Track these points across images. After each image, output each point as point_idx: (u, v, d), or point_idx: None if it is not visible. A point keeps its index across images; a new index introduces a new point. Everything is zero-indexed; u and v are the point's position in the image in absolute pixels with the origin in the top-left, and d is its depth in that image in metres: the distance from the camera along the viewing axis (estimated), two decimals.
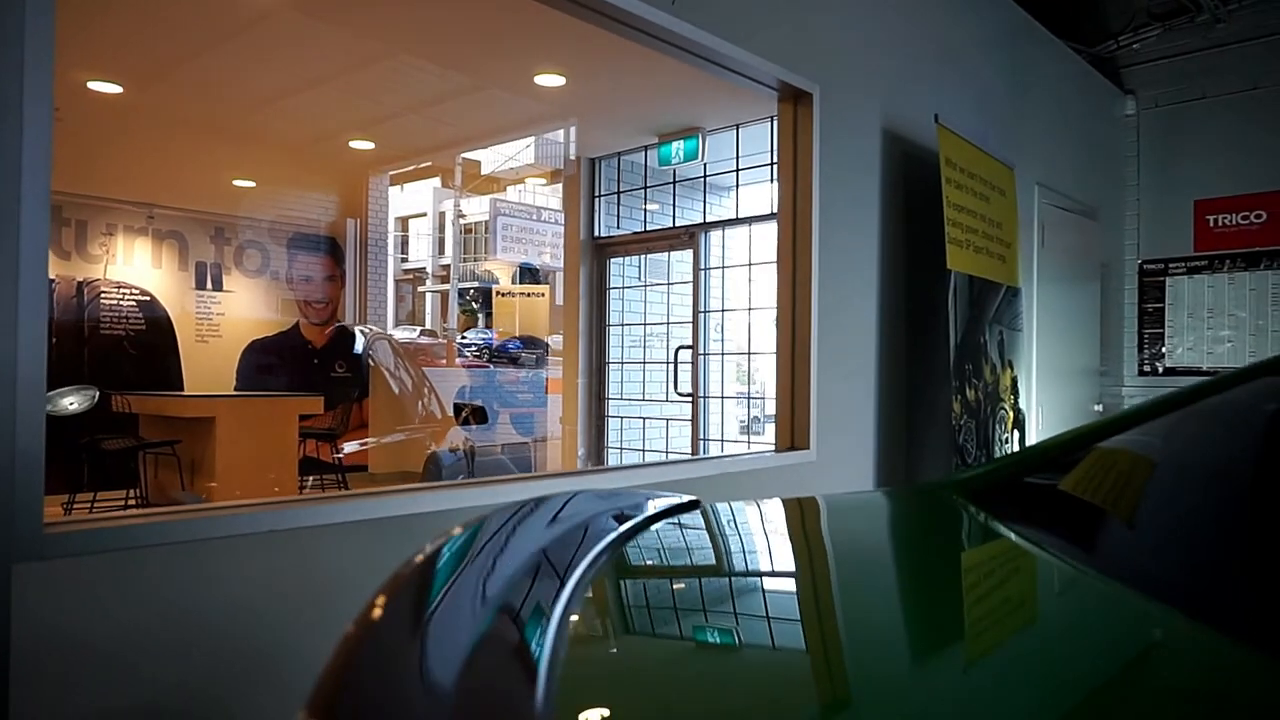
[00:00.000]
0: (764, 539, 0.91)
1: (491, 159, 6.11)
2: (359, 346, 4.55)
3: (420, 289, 7.75)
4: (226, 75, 4.12)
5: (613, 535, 0.79)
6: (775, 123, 2.86)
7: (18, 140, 1.17)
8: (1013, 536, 0.83)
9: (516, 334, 6.20)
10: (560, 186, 5.96)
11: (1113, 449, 1.13)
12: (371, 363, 4.58)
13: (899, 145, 3.17)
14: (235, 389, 4.66)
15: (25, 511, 1.16)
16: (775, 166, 2.82)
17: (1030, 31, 4.35)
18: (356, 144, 5.43)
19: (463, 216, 7.03)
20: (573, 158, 5.71)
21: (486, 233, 6.92)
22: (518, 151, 6.07)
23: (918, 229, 3.22)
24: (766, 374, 4.65)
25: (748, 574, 0.79)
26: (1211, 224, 5.16)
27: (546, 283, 6.78)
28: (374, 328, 5.47)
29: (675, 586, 0.74)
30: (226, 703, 1.37)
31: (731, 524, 0.94)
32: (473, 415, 4.75)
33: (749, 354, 5.19)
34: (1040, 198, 4.33)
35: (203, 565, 1.35)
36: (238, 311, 5.77)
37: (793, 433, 2.69)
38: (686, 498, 1.02)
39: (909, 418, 3.23)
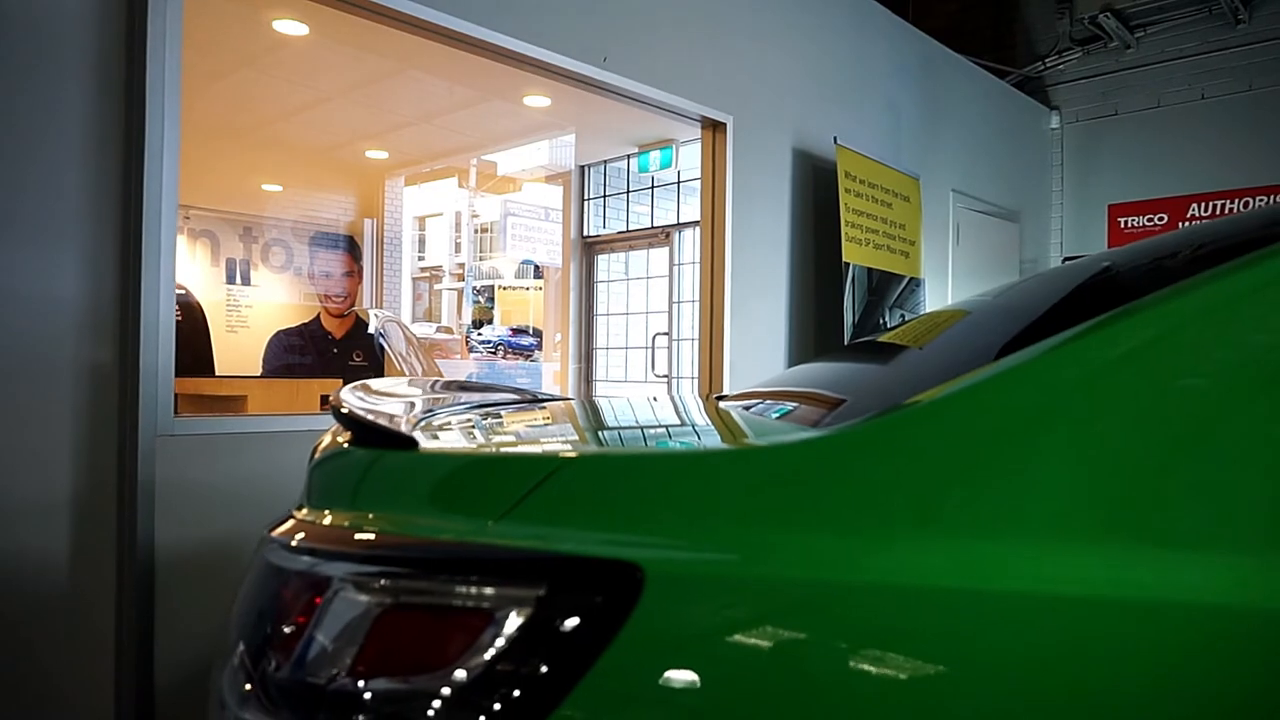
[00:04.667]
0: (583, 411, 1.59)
1: (502, 162, 6.66)
2: (372, 326, 5.13)
3: (437, 286, 8.08)
4: (257, 89, 4.76)
5: (495, 398, 1.50)
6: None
7: (159, 164, 1.92)
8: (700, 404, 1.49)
9: (520, 325, 6.69)
10: (554, 188, 6.60)
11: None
12: (383, 342, 5.16)
13: (808, 161, 3.88)
14: (261, 374, 5.27)
15: (164, 405, 1.92)
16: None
17: (944, 59, 5.04)
18: (372, 153, 6.11)
19: (476, 216, 7.46)
20: (569, 165, 6.40)
21: (497, 231, 7.51)
22: (524, 158, 6.65)
23: (825, 230, 3.93)
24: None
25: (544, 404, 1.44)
26: (1123, 225, 5.84)
27: (543, 278, 7.35)
28: (385, 311, 6.10)
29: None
30: None
31: (582, 405, 1.63)
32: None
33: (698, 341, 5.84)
34: (955, 203, 5.03)
35: (279, 447, 2.10)
36: (264, 304, 6.27)
37: (710, 390, 3.43)
38: (564, 396, 1.73)
39: None
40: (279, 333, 5.09)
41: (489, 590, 0.63)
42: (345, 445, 0.83)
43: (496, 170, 6.71)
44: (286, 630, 0.69)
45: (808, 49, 3.93)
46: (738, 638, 0.60)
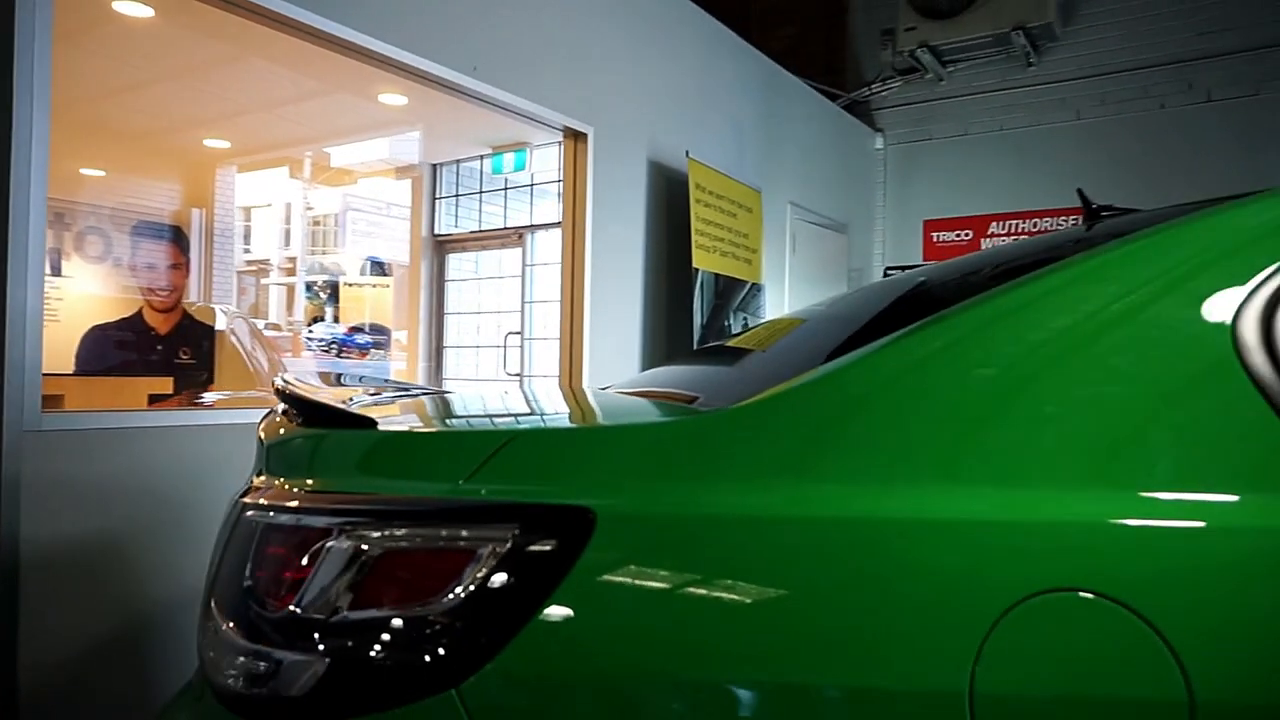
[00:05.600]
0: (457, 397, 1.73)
1: (341, 155, 6.52)
2: (222, 323, 4.95)
3: (264, 281, 7.77)
4: (76, 64, 4.42)
5: (396, 389, 1.61)
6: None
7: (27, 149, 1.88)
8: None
9: (363, 323, 6.59)
10: (402, 183, 6.54)
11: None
12: (235, 340, 4.97)
13: (662, 172, 4.14)
14: (74, 372, 4.93)
15: (30, 400, 1.88)
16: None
17: (783, 81, 5.46)
18: (206, 141, 5.84)
19: (310, 209, 7.21)
20: (416, 162, 6.37)
21: (336, 225, 7.32)
22: (371, 153, 6.54)
23: (675, 237, 4.19)
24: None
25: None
26: (935, 239, 6.51)
27: (390, 275, 7.25)
28: (232, 307, 5.87)
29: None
30: (165, 525, 2.11)
31: (456, 397, 1.76)
32: None
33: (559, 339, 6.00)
34: (792, 214, 5.45)
35: (154, 442, 2.08)
36: (77, 297, 5.87)
37: (570, 382, 3.60)
38: (445, 389, 1.85)
39: None
40: (95, 328, 4.75)
41: (473, 532, 0.78)
42: (303, 427, 0.95)
43: (330, 162, 6.52)
44: (289, 576, 0.81)
45: (662, 67, 4.18)
46: (664, 557, 0.80)
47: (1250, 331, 0.83)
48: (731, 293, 4.38)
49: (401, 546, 0.80)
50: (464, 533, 0.79)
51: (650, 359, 4.07)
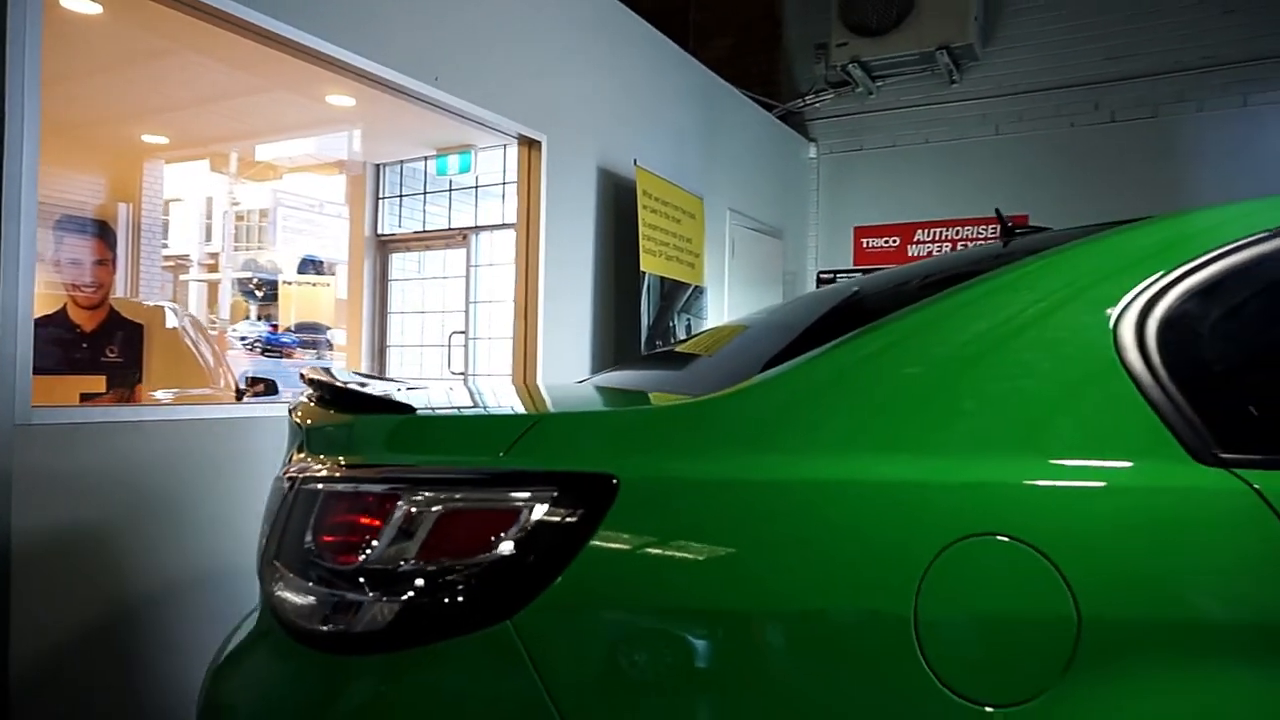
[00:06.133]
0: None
1: (279, 151, 6.46)
2: (172, 321, 4.92)
3: (183, 277, 7.61)
4: None
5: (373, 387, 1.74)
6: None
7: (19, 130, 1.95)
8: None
9: (298, 322, 6.53)
10: (340, 180, 6.52)
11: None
12: (189, 340, 4.94)
13: (611, 179, 4.31)
14: None
15: (21, 395, 1.95)
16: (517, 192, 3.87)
17: (722, 91, 5.69)
18: (138, 135, 5.74)
19: (236, 204, 7.10)
20: (359, 161, 6.38)
21: (263, 220, 7.20)
22: (306, 148, 6.49)
23: (624, 241, 4.37)
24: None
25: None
26: (865, 245, 6.84)
27: (331, 274, 7.18)
28: (179, 306, 5.81)
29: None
30: (153, 517, 2.19)
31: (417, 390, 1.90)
32: (264, 388, 5.35)
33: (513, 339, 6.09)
34: (731, 220, 5.69)
35: (144, 437, 2.16)
36: None
37: (525, 382, 3.74)
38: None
39: None
40: None
41: (519, 494, 0.95)
42: (340, 413, 1.10)
43: (269, 158, 6.44)
44: (356, 533, 0.96)
45: (610, 78, 4.36)
46: (669, 512, 0.98)
47: (1127, 334, 1.05)
48: (676, 295, 4.58)
49: (458, 507, 0.96)
50: (511, 495, 0.96)
51: (600, 357, 4.24)
